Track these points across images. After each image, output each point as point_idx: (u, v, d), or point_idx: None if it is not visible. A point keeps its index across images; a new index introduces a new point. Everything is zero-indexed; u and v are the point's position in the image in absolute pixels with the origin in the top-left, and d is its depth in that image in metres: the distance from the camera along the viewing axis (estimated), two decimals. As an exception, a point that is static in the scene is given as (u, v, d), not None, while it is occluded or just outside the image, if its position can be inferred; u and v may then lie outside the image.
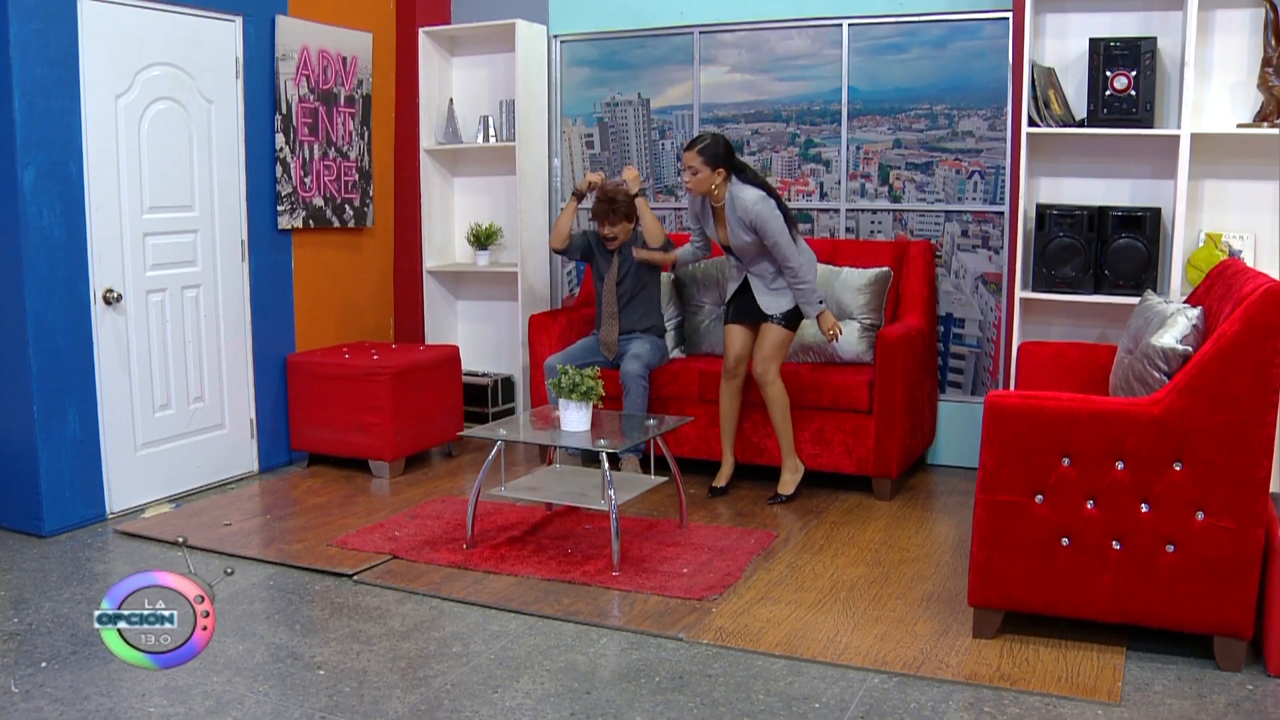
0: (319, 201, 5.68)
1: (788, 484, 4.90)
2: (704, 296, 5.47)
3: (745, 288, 4.83)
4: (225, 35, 5.16)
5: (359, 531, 4.49)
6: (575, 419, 4.25)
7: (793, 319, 4.77)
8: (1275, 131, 4.44)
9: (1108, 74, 4.63)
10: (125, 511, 4.77)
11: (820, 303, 4.68)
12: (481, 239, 6.20)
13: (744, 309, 4.83)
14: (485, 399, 6.09)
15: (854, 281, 5.16)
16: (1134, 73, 4.60)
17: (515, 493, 4.41)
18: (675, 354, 5.52)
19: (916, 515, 4.75)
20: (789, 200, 5.71)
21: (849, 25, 5.50)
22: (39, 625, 3.58)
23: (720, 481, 5.02)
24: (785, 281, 4.68)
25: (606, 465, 4.07)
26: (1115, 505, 3.19)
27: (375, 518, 4.69)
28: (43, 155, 4.35)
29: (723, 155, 4.61)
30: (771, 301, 4.73)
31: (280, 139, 5.41)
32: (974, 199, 5.37)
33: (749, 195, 4.56)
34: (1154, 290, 4.42)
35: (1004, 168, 5.26)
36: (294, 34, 5.44)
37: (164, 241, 4.92)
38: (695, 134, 5.87)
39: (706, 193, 4.66)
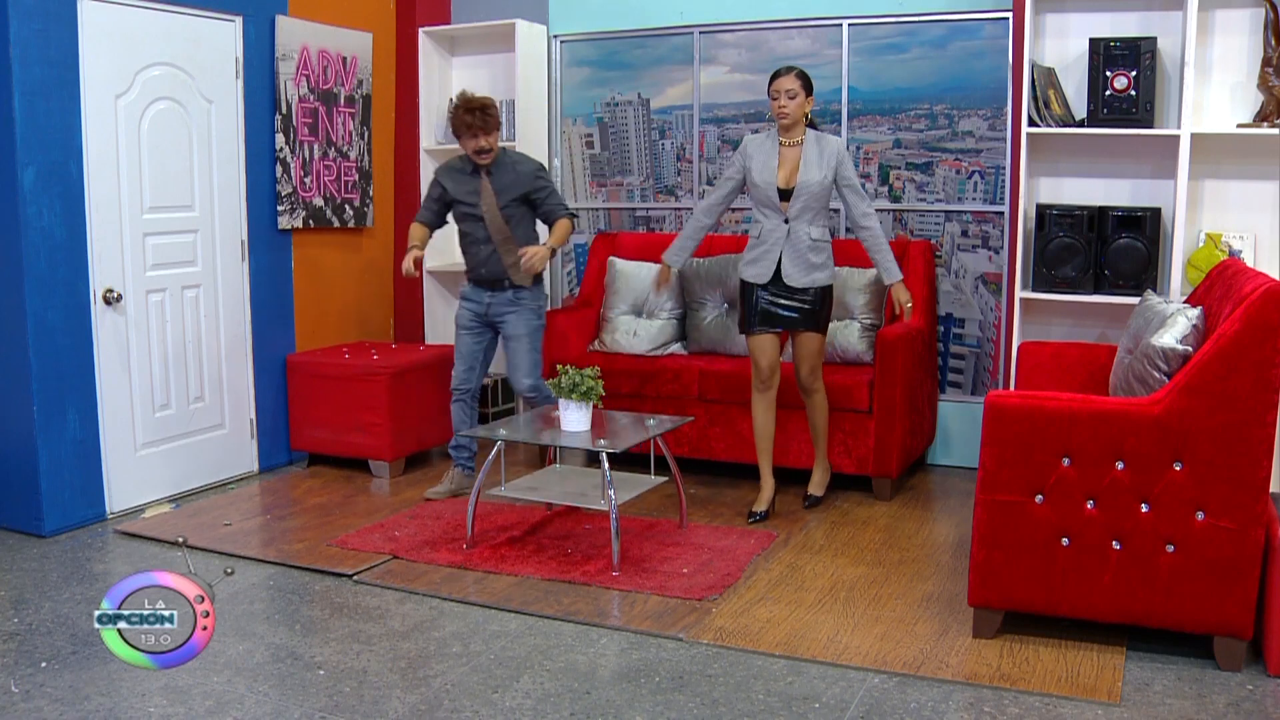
0: (319, 201, 5.68)
1: (820, 484, 4.83)
2: (707, 293, 5.46)
3: (775, 282, 4.54)
4: (225, 35, 5.16)
5: (359, 531, 4.49)
6: (575, 419, 4.25)
7: (826, 316, 4.59)
8: (1275, 131, 4.44)
9: (1108, 74, 4.63)
10: (125, 511, 4.77)
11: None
12: (481, 239, 6.19)
13: (774, 315, 4.57)
14: (485, 399, 6.09)
15: (854, 281, 5.16)
16: (1134, 73, 4.60)
17: (515, 493, 4.41)
18: (675, 349, 5.51)
19: (916, 515, 4.75)
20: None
21: (849, 25, 5.50)
22: (39, 625, 3.58)
23: (761, 506, 4.68)
24: (861, 238, 4.54)
25: (606, 465, 4.07)
26: (1115, 505, 3.19)
27: (375, 518, 4.69)
28: (43, 155, 4.35)
29: (812, 85, 4.54)
30: (803, 275, 4.50)
31: (280, 139, 5.41)
32: (974, 199, 5.37)
33: (833, 136, 4.60)
34: (1154, 290, 4.42)
35: (1004, 168, 5.26)
36: (294, 34, 5.44)
37: (164, 241, 4.92)
38: (695, 131, 5.88)
39: (797, 121, 4.50)
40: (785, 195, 4.53)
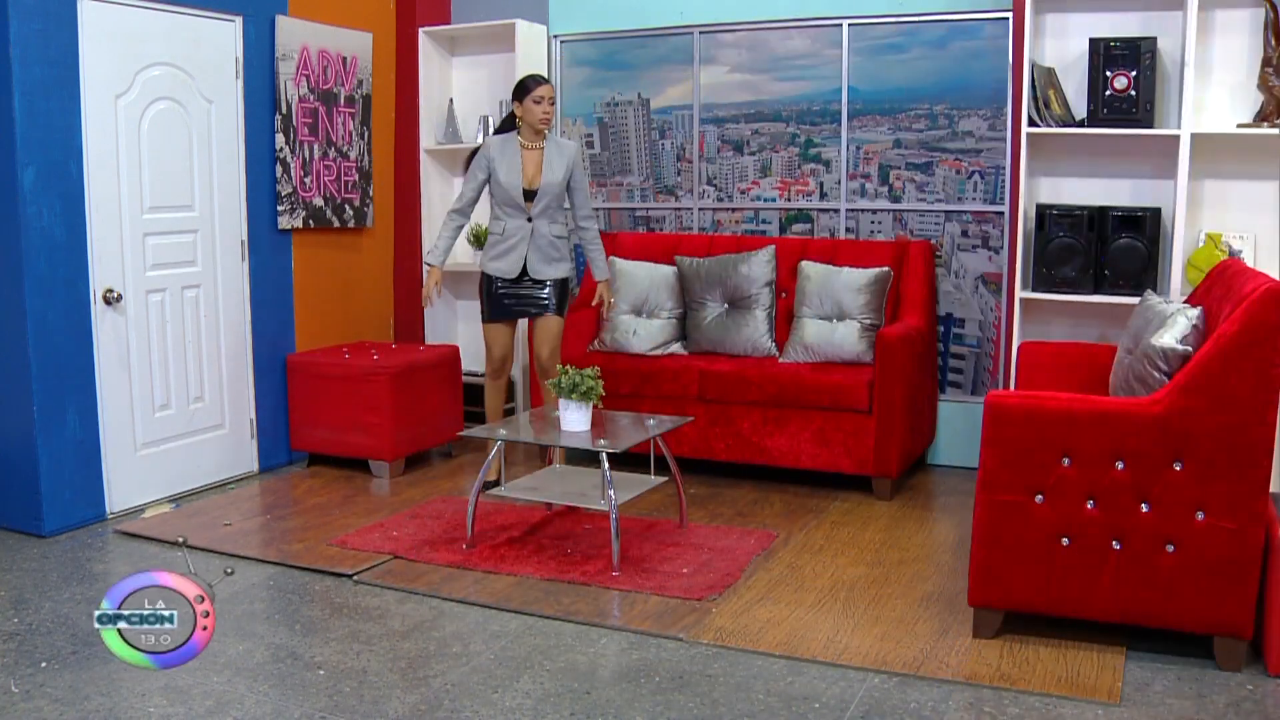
0: (319, 201, 5.68)
1: None
2: (707, 294, 5.46)
3: (519, 276, 4.89)
4: (225, 35, 5.16)
5: (359, 531, 4.49)
6: (575, 419, 4.24)
7: (563, 303, 4.99)
8: (1275, 131, 4.44)
9: (1108, 74, 4.63)
10: (125, 511, 4.77)
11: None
12: (481, 239, 6.20)
13: (515, 299, 4.93)
14: (484, 399, 6.07)
15: (854, 281, 5.15)
16: (1134, 73, 4.59)
17: (515, 493, 4.41)
18: (675, 349, 5.50)
19: (916, 515, 4.75)
20: (789, 200, 5.74)
21: (849, 25, 5.50)
22: (39, 625, 3.58)
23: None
24: (580, 237, 5.04)
25: (607, 465, 4.07)
26: (1115, 505, 3.19)
27: (375, 518, 4.69)
28: (43, 155, 4.35)
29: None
30: (546, 268, 4.91)
31: (280, 139, 5.41)
32: (974, 199, 5.37)
33: (570, 140, 4.97)
34: (1154, 290, 4.42)
35: (1004, 168, 5.26)
36: (294, 34, 5.44)
37: (164, 241, 4.92)
38: (695, 131, 5.88)
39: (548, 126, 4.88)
40: (529, 196, 4.86)
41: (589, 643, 3.47)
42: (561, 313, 4.99)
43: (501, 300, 4.94)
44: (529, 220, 4.87)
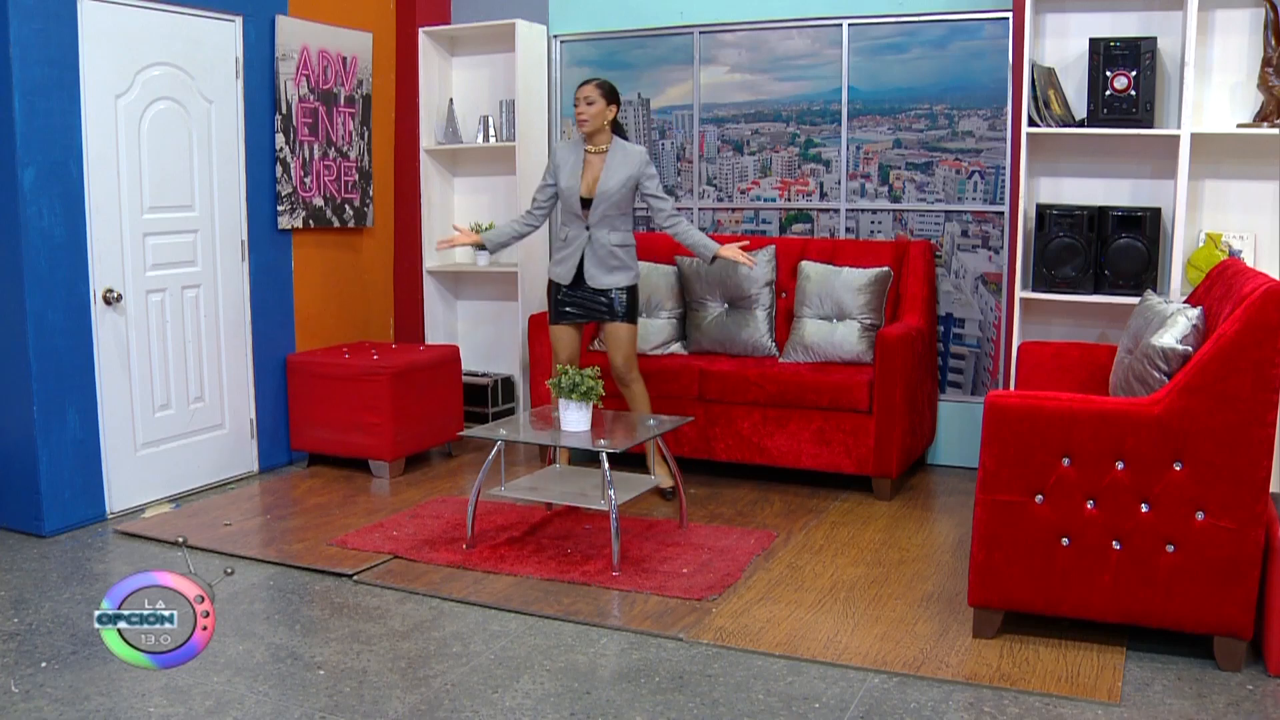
0: (319, 201, 5.68)
1: (669, 475, 4.85)
2: (707, 294, 5.46)
3: (576, 283, 4.77)
4: (225, 35, 5.16)
5: (359, 531, 4.49)
6: (575, 419, 4.25)
7: (632, 310, 4.81)
8: (1275, 131, 4.44)
9: (1108, 74, 4.63)
10: (125, 511, 4.77)
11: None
12: (482, 238, 6.20)
13: (576, 305, 4.79)
14: (485, 399, 6.09)
15: (854, 281, 5.16)
16: (1134, 73, 4.60)
17: (515, 493, 4.41)
18: (675, 349, 5.51)
19: (916, 515, 4.75)
20: (789, 200, 5.74)
21: (849, 25, 5.50)
22: (39, 625, 3.58)
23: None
24: (674, 234, 4.78)
25: (606, 465, 4.07)
26: (1115, 505, 3.19)
27: (375, 518, 4.69)
28: (43, 155, 4.35)
29: (616, 95, 4.76)
30: (608, 278, 4.74)
31: (280, 139, 5.41)
32: (974, 199, 5.37)
33: (637, 146, 4.82)
34: (1154, 290, 4.42)
35: (1004, 168, 5.26)
36: (294, 34, 5.44)
37: (164, 241, 4.92)
38: (695, 131, 5.88)
39: (598, 129, 4.69)
40: (586, 203, 4.71)
41: (589, 643, 3.47)
42: (631, 319, 4.80)
43: (561, 305, 4.82)
44: (587, 228, 4.73)
